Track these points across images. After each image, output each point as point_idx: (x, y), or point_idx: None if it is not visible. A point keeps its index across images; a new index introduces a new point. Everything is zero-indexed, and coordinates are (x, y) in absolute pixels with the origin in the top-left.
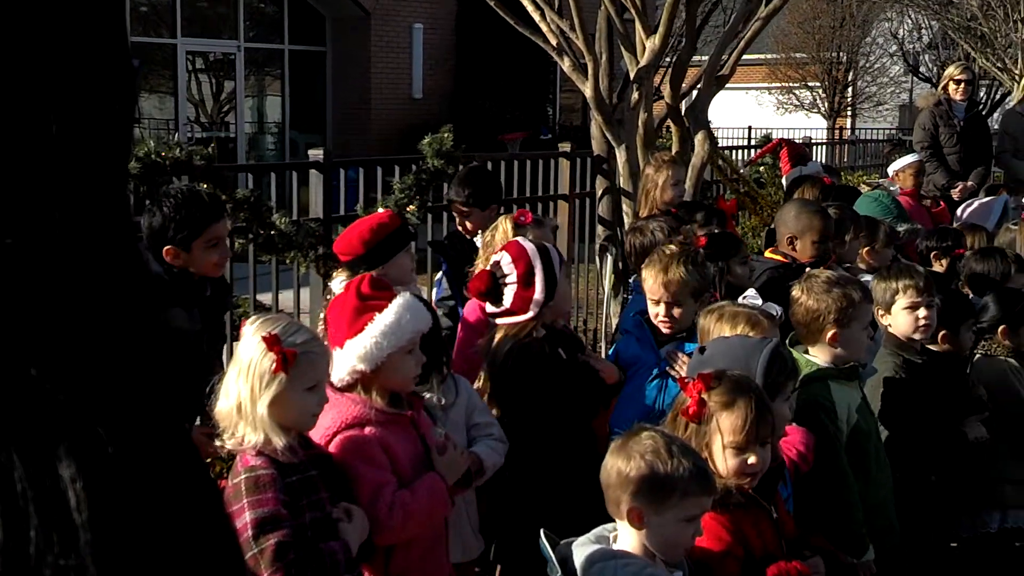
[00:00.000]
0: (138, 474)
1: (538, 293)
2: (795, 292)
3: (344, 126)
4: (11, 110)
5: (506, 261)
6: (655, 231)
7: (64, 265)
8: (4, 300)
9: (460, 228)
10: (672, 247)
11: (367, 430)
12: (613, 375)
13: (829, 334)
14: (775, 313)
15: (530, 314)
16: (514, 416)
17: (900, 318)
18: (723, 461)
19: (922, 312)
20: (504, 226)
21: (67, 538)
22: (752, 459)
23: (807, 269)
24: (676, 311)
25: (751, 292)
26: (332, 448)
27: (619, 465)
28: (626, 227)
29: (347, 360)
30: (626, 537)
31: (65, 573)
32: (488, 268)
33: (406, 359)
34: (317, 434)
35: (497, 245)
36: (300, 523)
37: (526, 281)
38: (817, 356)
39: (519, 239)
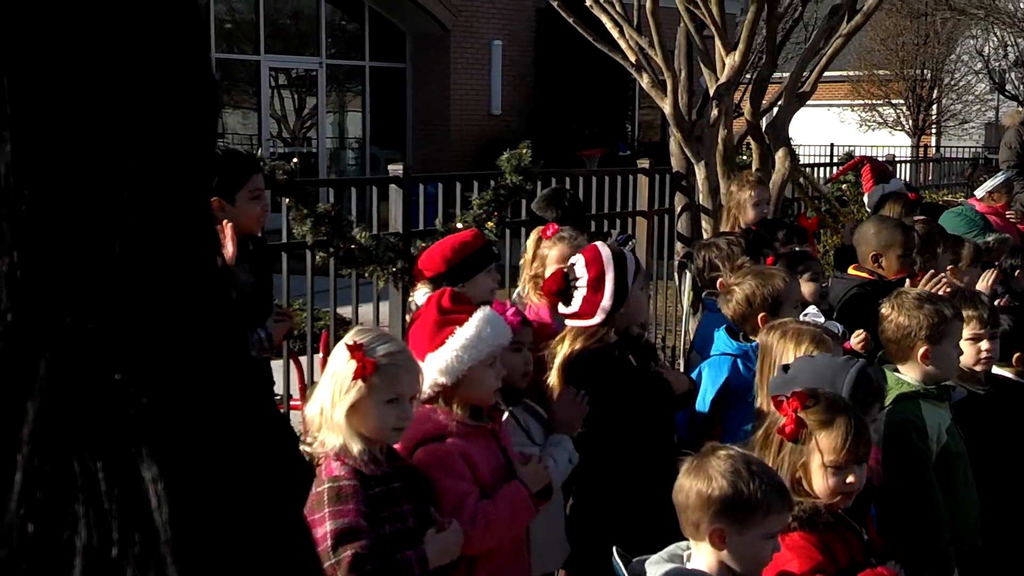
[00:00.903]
0: (219, 475)
1: (606, 299)
2: (885, 309)
3: (424, 142)
4: (92, 125)
5: (580, 264)
6: (728, 247)
7: (148, 274)
8: (89, 306)
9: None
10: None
11: (448, 441)
12: (683, 385)
13: (920, 351)
14: (837, 331)
15: (597, 319)
16: (585, 422)
17: (962, 349)
18: (821, 480)
19: (984, 344)
20: (531, 238)
21: (148, 537)
22: (851, 478)
23: (902, 286)
24: None
25: (812, 309)
26: (414, 459)
27: (698, 487)
28: None
29: (428, 373)
30: (701, 556)
31: (146, 571)
32: (564, 268)
33: (487, 372)
34: (398, 446)
35: (528, 260)
36: (380, 535)
37: (596, 286)
38: (907, 374)
39: (598, 244)
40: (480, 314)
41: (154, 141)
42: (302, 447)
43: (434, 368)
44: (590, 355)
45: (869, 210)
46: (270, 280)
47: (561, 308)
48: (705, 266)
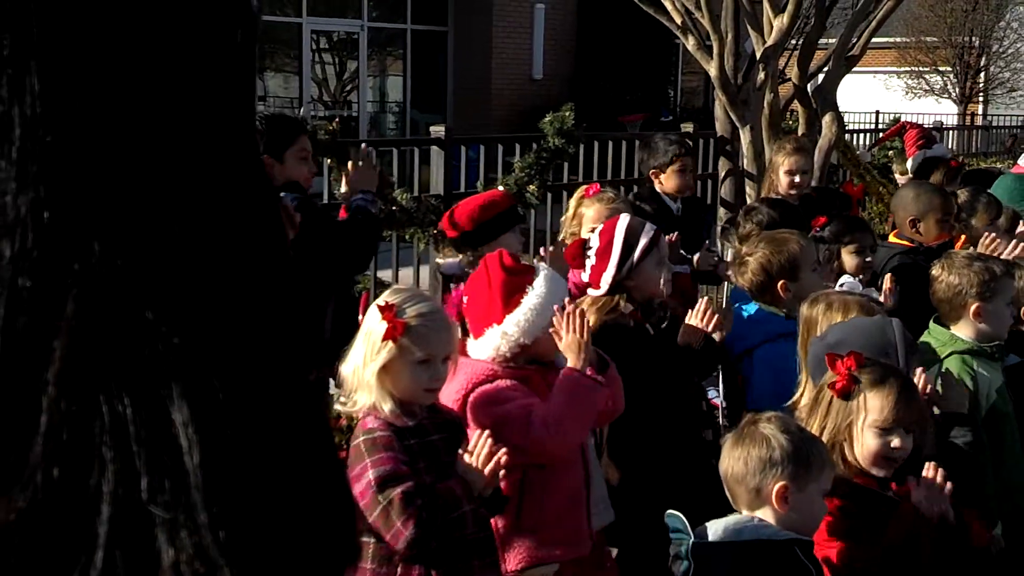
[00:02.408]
0: (252, 419)
1: (608, 270)
2: (935, 270)
3: (464, 106)
4: (122, 50)
5: (596, 233)
6: (765, 214)
7: (182, 205)
8: (118, 241)
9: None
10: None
11: (497, 382)
12: (696, 335)
13: (972, 308)
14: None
15: (601, 290)
16: None
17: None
18: (864, 441)
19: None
20: (573, 199)
21: (178, 482)
22: (896, 442)
23: (946, 250)
24: None
25: (848, 279)
26: (469, 407)
27: (757, 452)
28: None
29: (510, 334)
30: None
31: (176, 516)
32: (585, 236)
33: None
34: (449, 399)
35: (568, 218)
36: (421, 482)
37: (602, 256)
38: (961, 332)
39: (627, 215)
40: (545, 271)
41: (190, 65)
42: (337, 406)
43: (515, 329)
44: (605, 329)
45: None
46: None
47: (582, 276)
48: (744, 232)
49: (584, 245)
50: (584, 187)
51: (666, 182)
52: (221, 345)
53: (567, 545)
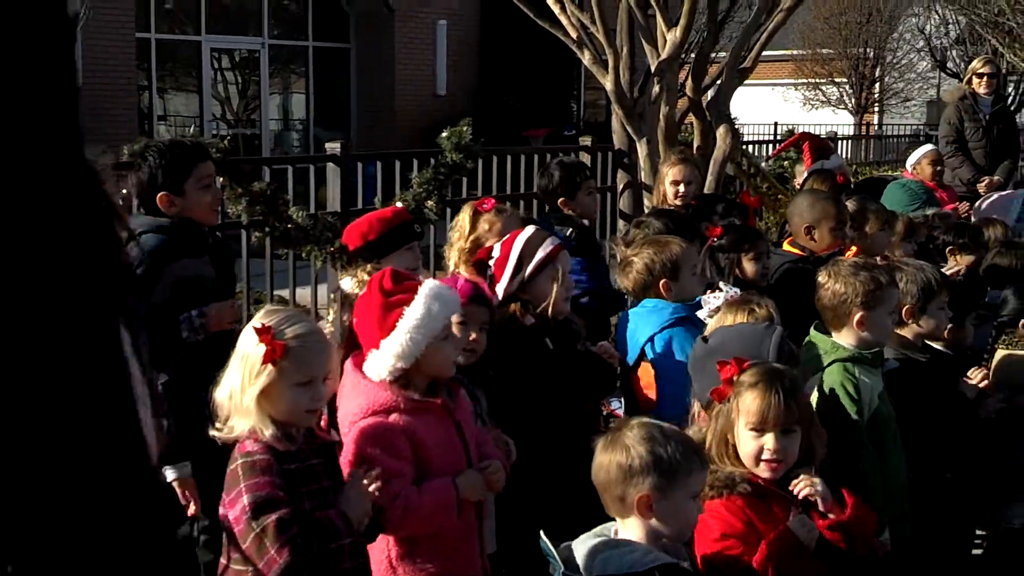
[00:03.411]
0: (45, 452)
1: (501, 283)
2: (822, 277)
3: (368, 123)
4: None
5: (498, 244)
6: (654, 226)
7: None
8: None
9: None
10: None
11: (392, 417)
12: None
13: (856, 317)
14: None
15: (496, 300)
16: (499, 402)
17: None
18: (744, 443)
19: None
20: (465, 212)
21: None
22: (769, 443)
23: (836, 259)
24: None
25: (723, 286)
26: (354, 433)
27: (618, 459)
28: None
29: (385, 360)
30: (628, 531)
31: None
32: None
33: (443, 346)
34: (345, 419)
35: (463, 234)
36: (300, 509)
37: (499, 267)
38: (842, 340)
39: (531, 228)
40: (425, 290)
41: None
42: (212, 433)
43: (390, 354)
44: (505, 336)
45: (798, 187)
46: (232, 273)
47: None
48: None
49: (489, 255)
50: (473, 202)
51: (575, 206)
52: (11, 372)
53: None
